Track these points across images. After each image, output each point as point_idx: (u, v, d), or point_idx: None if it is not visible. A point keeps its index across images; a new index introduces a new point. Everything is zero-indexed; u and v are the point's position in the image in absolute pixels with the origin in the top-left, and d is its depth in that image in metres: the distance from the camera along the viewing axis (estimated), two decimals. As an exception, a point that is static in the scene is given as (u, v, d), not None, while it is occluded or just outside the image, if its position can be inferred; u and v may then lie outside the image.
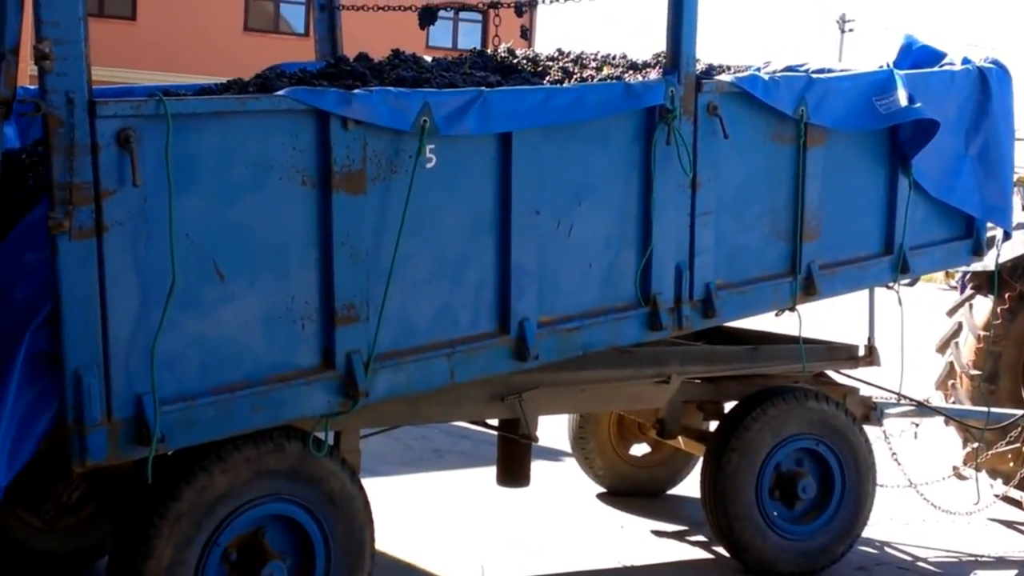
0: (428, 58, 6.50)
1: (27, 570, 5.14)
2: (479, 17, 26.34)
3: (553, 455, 7.84)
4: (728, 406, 6.26)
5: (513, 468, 5.61)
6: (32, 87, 4.69)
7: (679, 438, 6.37)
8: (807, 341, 6.08)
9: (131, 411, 3.71)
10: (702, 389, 6.22)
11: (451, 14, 27.09)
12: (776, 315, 5.84)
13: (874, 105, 5.75)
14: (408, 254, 4.34)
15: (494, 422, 5.55)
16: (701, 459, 6.07)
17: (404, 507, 6.59)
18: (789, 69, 6.45)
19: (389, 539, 5.64)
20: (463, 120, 4.39)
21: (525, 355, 4.72)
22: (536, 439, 5.41)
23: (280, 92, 4.04)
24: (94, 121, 3.56)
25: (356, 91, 4.19)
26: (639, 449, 7.31)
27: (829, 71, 6.33)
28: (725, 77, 5.36)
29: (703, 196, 5.24)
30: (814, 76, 5.68)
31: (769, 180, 5.57)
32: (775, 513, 5.82)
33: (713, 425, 6.36)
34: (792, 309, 5.74)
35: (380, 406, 4.65)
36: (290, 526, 4.31)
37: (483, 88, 4.56)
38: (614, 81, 5.23)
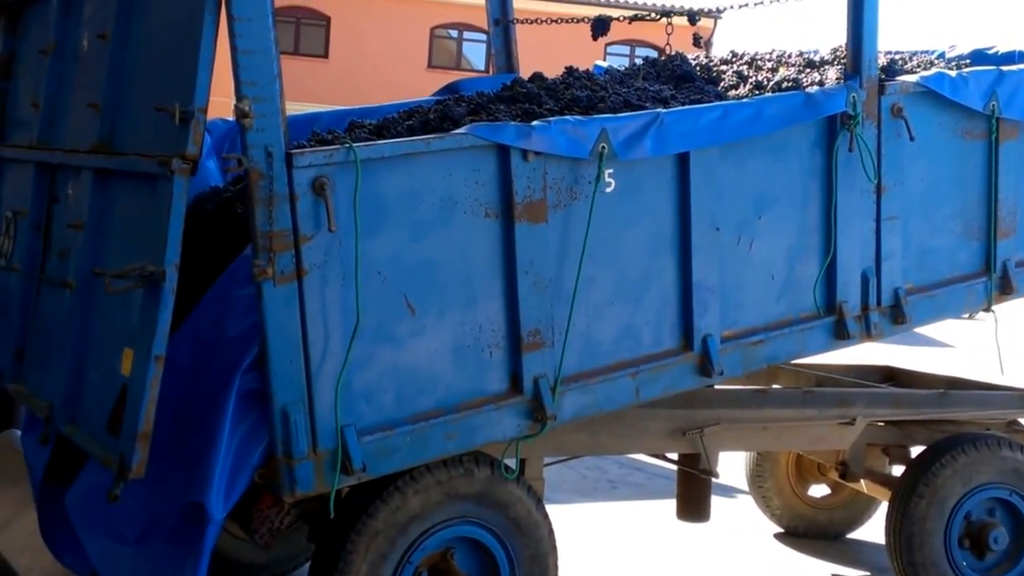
0: (603, 64, 6.54)
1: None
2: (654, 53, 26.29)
3: (728, 492, 7.68)
4: (915, 451, 6.05)
5: (693, 503, 5.60)
6: (230, 119, 4.96)
7: (862, 481, 6.20)
8: (1000, 389, 5.87)
9: (334, 443, 3.91)
10: (887, 432, 6.04)
11: (628, 51, 27.14)
12: (969, 318, 5.65)
13: (1072, 93, 5.48)
14: (590, 277, 4.39)
15: (673, 456, 5.55)
16: (885, 504, 5.89)
17: (580, 536, 6.54)
18: (977, 53, 6.22)
19: (567, 568, 5.59)
20: (640, 144, 4.42)
21: (709, 371, 4.72)
22: (716, 475, 5.39)
23: (462, 130, 4.15)
24: (291, 172, 3.74)
25: (535, 123, 4.27)
26: (818, 490, 7.11)
27: (1022, 54, 6.06)
28: (909, 77, 5.20)
29: (889, 200, 5.12)
30: (1005, 69, 5.44)
31: (959, 178, 5.40)
32: (964, 563, 5.59)
33: (898, 470, 6.16)
34: (988, 310, 5.55)
35: (564, 435, 4.75)
36: (478, 549, 4.42)
37: (659, 110, 4.56)
38: (792, 89, 5.14)
